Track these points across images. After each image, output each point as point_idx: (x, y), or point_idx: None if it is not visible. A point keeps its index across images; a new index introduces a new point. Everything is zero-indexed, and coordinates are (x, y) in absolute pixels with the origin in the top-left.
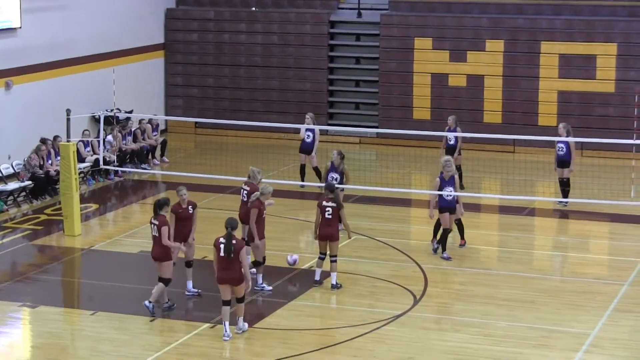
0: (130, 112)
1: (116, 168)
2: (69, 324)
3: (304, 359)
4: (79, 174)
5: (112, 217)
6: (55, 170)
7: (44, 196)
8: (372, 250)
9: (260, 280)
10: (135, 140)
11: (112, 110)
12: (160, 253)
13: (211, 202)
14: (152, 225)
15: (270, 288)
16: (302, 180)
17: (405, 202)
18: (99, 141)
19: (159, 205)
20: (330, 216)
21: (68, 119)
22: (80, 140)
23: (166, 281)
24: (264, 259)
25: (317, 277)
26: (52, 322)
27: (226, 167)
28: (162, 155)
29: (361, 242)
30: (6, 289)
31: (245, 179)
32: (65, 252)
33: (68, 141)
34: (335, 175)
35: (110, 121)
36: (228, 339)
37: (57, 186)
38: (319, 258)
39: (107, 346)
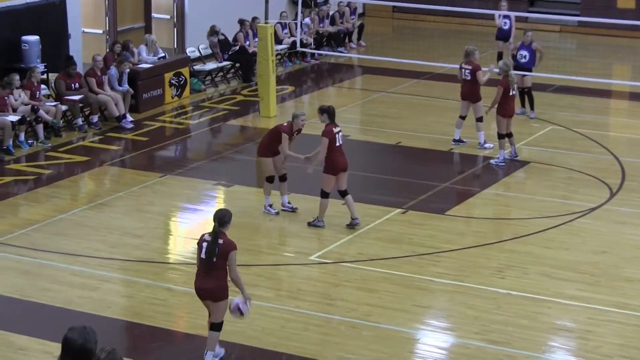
0: None
1: (313, 51)
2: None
3: (496, 248)
4: (276, 55)
5: (308, 99)
6: (252, 52)
7: (240, 77)
8: (568, 141)
9: None
10: (332, 23)
11: None
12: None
13: (407, 87)
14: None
15: None
16: None
17: (604, 93)
18: (296, 23)
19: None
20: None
21: (266, 1)
22: (278, 22)
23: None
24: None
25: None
26: (246, 202)
27: (422, 52)
28: (358, 39)
29: (557, 133)
30: (202, 168)
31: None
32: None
33: (266, 23)
34: (525, 53)
35: (308, 4)
36: None
37: (254, 67)
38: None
39: (298, 227)
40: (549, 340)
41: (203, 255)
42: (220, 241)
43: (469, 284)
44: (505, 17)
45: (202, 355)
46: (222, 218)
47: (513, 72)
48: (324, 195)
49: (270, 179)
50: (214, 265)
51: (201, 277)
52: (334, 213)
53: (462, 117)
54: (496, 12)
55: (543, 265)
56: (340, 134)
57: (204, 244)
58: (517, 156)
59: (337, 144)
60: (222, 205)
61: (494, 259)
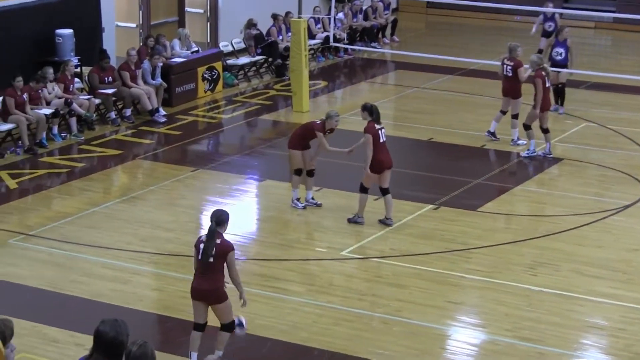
0: None
1: (346, 46)
2: None
3: (528, 245)
4: (309, 50)
5: (340, 94)
6: (285, 47)
7: (273, 72)
8: (602, 138)
9: None
10: (366, 18)
11: None
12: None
13: (440, 83)
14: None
15: None
16: None
17: (639, 91)
18: (329, 18)
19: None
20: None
21: None
22: (311, 17)
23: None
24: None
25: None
26: (278, 196)
27: (456, 48)
28: (392, 34)
29: (591, 130)
30: (234, 162)
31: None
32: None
33: (299, 17)
34: (560, 50)
35: None
36: None
37: (286, 62)
38: None
39: (331, 222)
40: (580, 338)
41: (200, 257)
42: (218, 241)
43: (500, 280)
44: (550, 19)
45: (233, 349)
46: (219, 217)
47: (547, 66)
48: (363, 190)
49: (298, 172)
50: (211, 266)
51: (198, 279)
52: (367, 208)
53: (503, 112)
54: (539, 9)
55: (575, 262)
56: (383, 130)
57: (201, 245)
58: (550, 154)
59: (381, 141)
60: (254, 200)
61: (526, 255)
